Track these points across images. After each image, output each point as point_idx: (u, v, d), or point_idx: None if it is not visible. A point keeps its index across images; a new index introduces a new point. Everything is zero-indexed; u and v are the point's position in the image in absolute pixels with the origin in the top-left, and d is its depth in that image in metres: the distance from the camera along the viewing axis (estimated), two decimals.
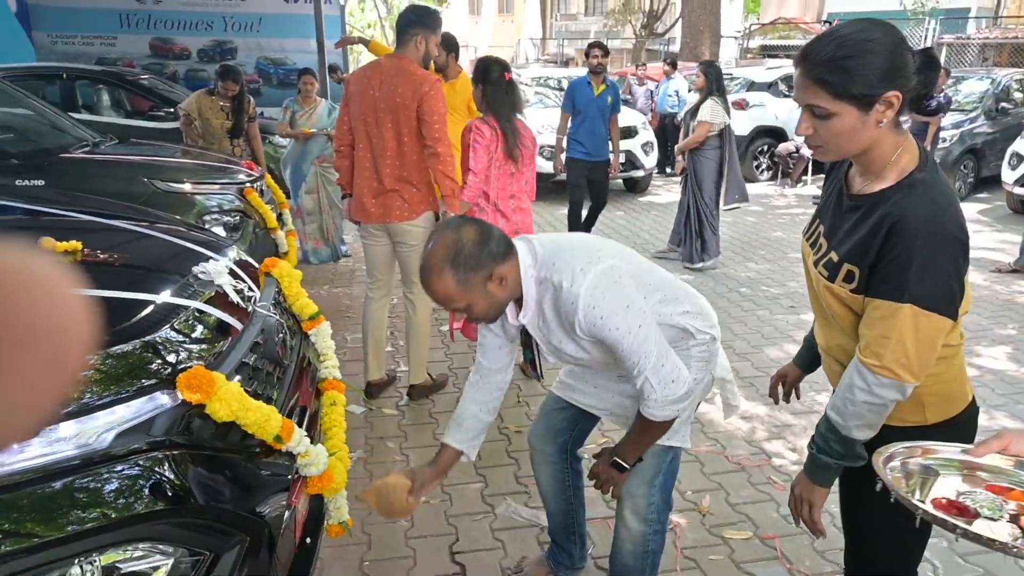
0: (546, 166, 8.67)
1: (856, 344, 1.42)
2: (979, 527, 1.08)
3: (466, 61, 13.41)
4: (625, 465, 1.84)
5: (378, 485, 1.81)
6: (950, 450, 1.26)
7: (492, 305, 1.63)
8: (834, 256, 1.40)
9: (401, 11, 3.47)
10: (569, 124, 5.98)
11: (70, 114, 5.56)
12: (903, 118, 1.34)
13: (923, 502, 1.14)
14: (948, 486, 1.19)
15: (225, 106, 5.45)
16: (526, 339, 1.85)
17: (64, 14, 12.04)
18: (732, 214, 8.15)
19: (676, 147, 6.33)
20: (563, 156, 6.05)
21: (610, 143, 6.06)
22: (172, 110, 7.31)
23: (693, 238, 5.97)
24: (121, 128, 6.38)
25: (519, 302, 1.70)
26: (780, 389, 1.90)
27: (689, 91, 6.40)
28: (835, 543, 2.48)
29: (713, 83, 5.69)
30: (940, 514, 1.09)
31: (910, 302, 1.27)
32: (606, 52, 5.90)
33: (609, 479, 1.88)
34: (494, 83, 3.39)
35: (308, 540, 1.79)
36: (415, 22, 3.26)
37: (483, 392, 1.90)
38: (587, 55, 5.85)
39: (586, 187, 6.11)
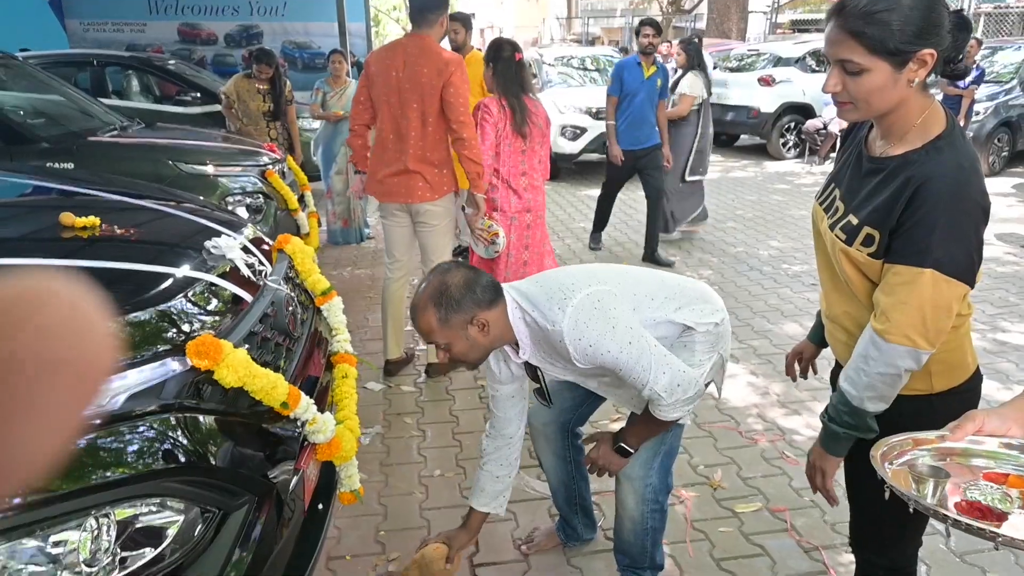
0: (566, 146, 8.66)
1: (866, 312, 1.41)
2: (1013, 529, 1.02)
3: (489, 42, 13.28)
4: (630, 450, 1.89)
5: (416, 559, 1.98)
6: (932, 437, 1.22)
7: (472, 348, 1.71)
8: (853, 219, 1.38)
9: None
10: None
11: (100, 99, 5.69)
12: (931, 81, 1.31)
13: (938, 506, 1.08)
14: (950, 481, 1.15)
15: (262, 89, 5.54)
16: (532, 373, 1.90)
17: (95, 1, 12.25)
18: (757, 192, 8.07)
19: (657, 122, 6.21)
20: (616, 145, 5.44)
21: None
22: (199, 95, 7.45)
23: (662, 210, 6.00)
24: (149, 113, 6.51)
25: (517, 345, 1.78)
26: (796, 367, 1.89)
27: (675, 70, 6.27)
28: (845, 515, 2.49)
29: (694, 59, 5.84)
30: (974, 522, 1.01)
31: (932, 267, 1.25)
32: (658, 31, 5.38)
33: (609, 464, 1.92)
34: (505, 62, 3.44)
35: (320, 506, 1.86)
36: (437, 4, 3.27)
37: (499, 455, 2.02)
38: (637, 33, 5.39)
39: (626, 179, 5.74)
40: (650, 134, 5.45)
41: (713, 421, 3.15)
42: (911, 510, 1.12)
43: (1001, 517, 1.05)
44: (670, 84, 6.05)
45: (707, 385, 1.91)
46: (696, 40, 6.17)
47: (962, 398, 1.46)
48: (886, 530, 1.58)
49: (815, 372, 1.91)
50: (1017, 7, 15.39)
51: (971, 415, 1.16)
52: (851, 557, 2.28)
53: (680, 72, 5.94)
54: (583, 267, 1.90)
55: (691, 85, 5.76)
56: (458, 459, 2.91)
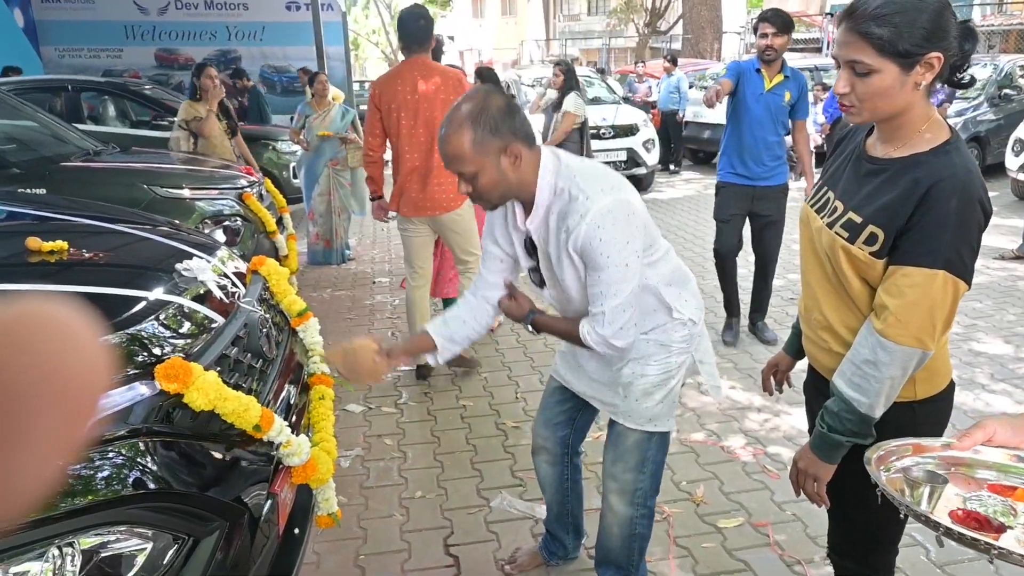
0: None
1: (860, 319, 1.41)
2: (1009, 542, 0.98)
3: (471, 64, 13.42)
4: (532, 329, 1.84)
5: (343, 345, 1.77)
6: (936, 445, 1.21)
7: (499, 182, 1.60)
8: (855, 217, 1.37)
9: (405, 14, 3.59)
10: (725, 130, 4.17)
11: (75, 125, 5.65)
12: (936, 89, 1.33)
13: (932, 513, 1.06)
14: (950, 491, 1.12)
15: (214, 109, 5.45)
16: (530, 248, 1.80)
17: (70, 28, 12.22)
18: None
19: (546, 142, 6.25)
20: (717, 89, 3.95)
21: (790, 159, 4.23)
22: (175, 119, 7.41)
23: None
24: (125, 137, 6.47)
25: (528, 208, 1.69)
26: (772, 380, 1.89)
27: (548, 90, 6.48)
28: (826, 528, 2.49)
29: (572, 80, 5.99)
30: (967, 532, 0.98)
31: (944, 268, 1.26)
32: (784, 27, 3.80)
33: (509, 309, 1.86)
34: (494, 83, 3.86)
35: (296, 531, 1.83)
36: (432, 24, 3.58)
37: (476, 304, 1.89)
38: (755, 30, 3.99)
39: (740, 224, 4.25)
40: (773, 168, 3.99)
41: (695, 436, 3.15)
42: (901, 515, 1.10)
43: (1000, 529, 1.02)
44: (550, 104, 6.26)
45: (679, 388, 1.91)
46: (570, 61, 6.39)
47: (941, 406, 1.48)
48: (867, 537, 1.58)
49: (790, 385, 1.91)
50: (983, 25, 15.81)
51: (982, 423, 1.15)
52: (832, 569, 2.29)
53: (557, 93, 6.12)
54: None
55: (575, 105, 5.96)
56: (439, 480, 2.88)
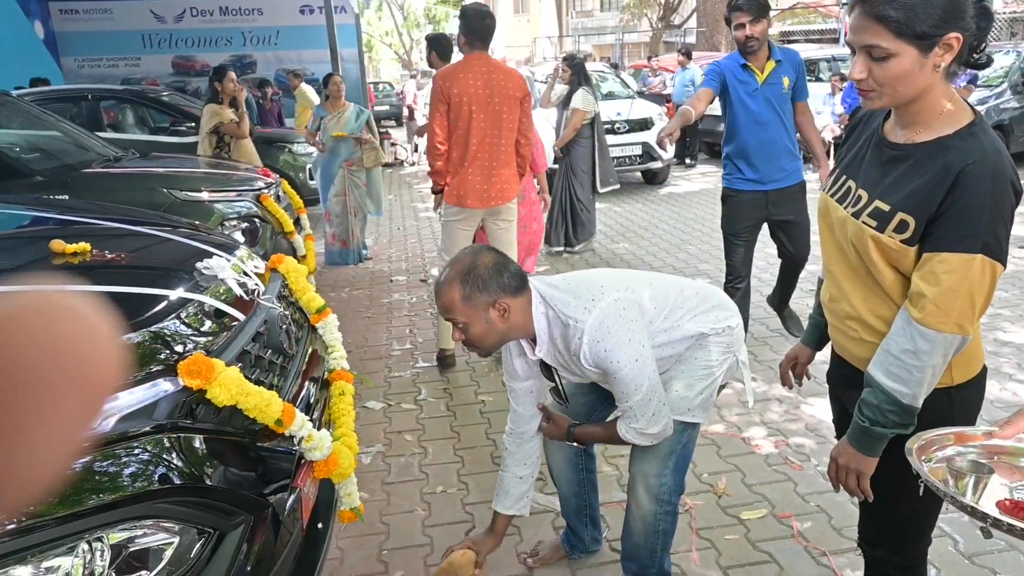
0: None
1: (891, 307, 1.38)
2: None
3: None
4: (576, 437, 1.96)
5: (444, 566, 2.02)
6: (978, 433, 1.19)
7: (488, 332, 1.73)
8: (883, 205, 1.35)
9: (471, 11, 3.67)
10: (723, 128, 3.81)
11: (95, 132, 5.73)
12: (955, 70, 1.30)
13: (977, 503, 1.04)
14: (995, 481, 1.09)
15: (235, 111, 5.52)
16: (547, 372, 1.95)
17: (89, 38, 12.40)
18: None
19: (556, 144, 6.31)
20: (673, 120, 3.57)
21: (800, 149, 3.81)
22: (193, 124, 7.50)
23: (568, 223, 6.12)
24: (144, 144, 6.55)
25: (535, 340, 1.81)
26: (791, 373, 1.86)
27: (557, 84, 6.38)
28: (852, 520, 2.46)
29: (580, 75, 5.96)
30: (1016, 522, 0.96)
31: (982, 252, 1.24)
32: (760, 11, 3.39)
33: (553, 431, 2.00)
34: None
35: (320, 525, 1.84)
36: (495, 24, 3.71)
37: (520, 453, 2.06)
38: (728, 22, 3.55)
39: (753, 235, 3.91)
40: (786, 164, 3.62)
41: (716, 428, 3.13)
42: (945, 507, 1.08)
43: None
44: (559, 100, 6.19)
45: (721, 387, 1.98)
46: (580, 57, 6.33)
47: (975, 390, 1.46)
48: (901, 527, 1.56)
49: (809, 377, 1.88)
50: (1005, 12, 15.55)
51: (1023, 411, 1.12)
52: (861, 561, 2.26)
53: (567, 88, 6.09)
54: (611, 271, 1.99)
55: (584, 101, 5.94)
56: (460, 475, 2.89)
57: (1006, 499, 1.05)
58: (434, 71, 5.32)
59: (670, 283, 1.96)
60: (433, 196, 3.93)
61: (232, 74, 5.51)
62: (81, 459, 1.21)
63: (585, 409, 2.13)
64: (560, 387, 1.96)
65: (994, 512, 0.99)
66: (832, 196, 1.49)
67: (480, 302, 1.69)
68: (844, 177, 1.48)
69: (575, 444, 1.99)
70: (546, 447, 2.22)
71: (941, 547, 2.28)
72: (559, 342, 1.79)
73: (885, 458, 1.41)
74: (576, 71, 6.04)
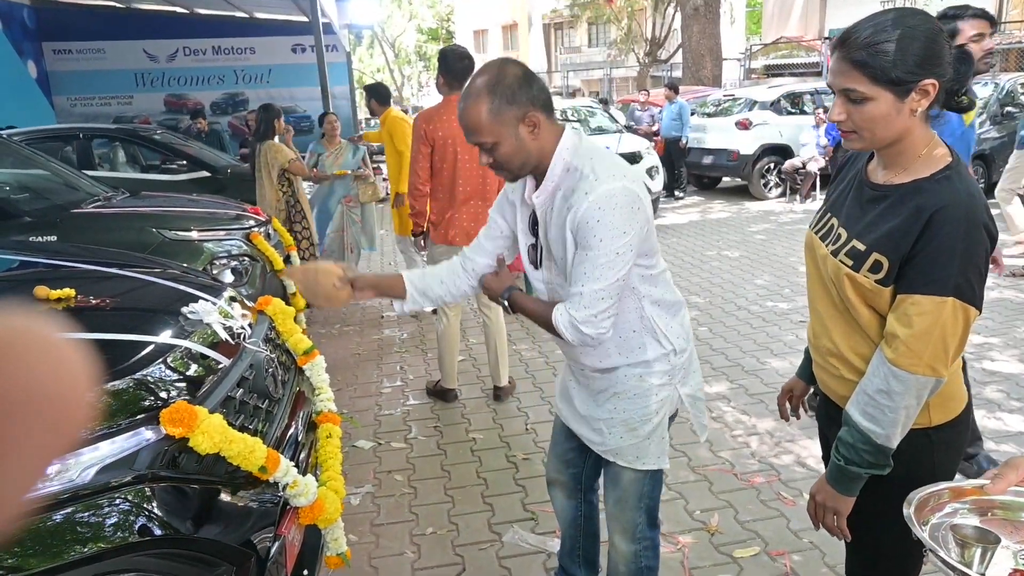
0: None
1: (869, 345, 1.40)
2: None
3: None
4: (505, 301, 1.80)
5: (306, 265, 1.74)
6: (973, 487, 1.15)
7: (518, 151, 1.58)
8: (859, 245, 1.37)
9: (449, 53, 3.75)
10: None
11: (87, 171, 5.75)
12: (935, 113, 1.33)
13: (983, 575, 1.01)
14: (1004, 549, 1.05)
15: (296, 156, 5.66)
16: (534, 227, 1.78)
17: (81, 78, 12.51)
18: (741, 232, 8.15)
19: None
20: None
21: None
22: (185, 162, 7.53)
23: None
24: (136, 182, 6.57)
25: (539, 181, 1.66)
26: (787, 406, 1.86)
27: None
28: (843, 556, 2.44)
29: None
30: None
31: (953, 295, 1.25)
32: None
33: (492, 284, 1.84)
34: None
35: (305, 572, 1.81)
36: (473, 64, 3.68)
37: (460, 270, 1.89)
38: (953, 35, 2.49)
39: None
40: None
41: (707, 464, 3.11)
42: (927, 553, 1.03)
43: None
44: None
45: (668, 423, 1.83)
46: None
47: (957, 431, 1.45)
48: (887, 564, 1.55)
49: (807, 410, 1.88)
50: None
51: (1013, 463, 1.11)
52: None
53: None
54: None
55: None
56: (451, 516, 2.86)
57: (1019, 569, 1.01)
58: (377, 118, 5.54)
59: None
60: (413, 239, 3.95)
61: (282, 120, 5.66)
62: (61, 511, 1.20)
63: (576, 455, 2.06)
64: (539, 246, 1.77)
65: None
66: (816, 233, 1.52)
67: (509, 116, 1.54)
68: (828, 215, 1.51)
69: (506, 306, 1.79)
70: (549, 485, 2.17)
71: None
72: (560, 194, 1.62)
73: (867, 496, 1.41)
74: None
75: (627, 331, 1.72)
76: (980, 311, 1.30)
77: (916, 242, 1.28)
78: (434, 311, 5.69)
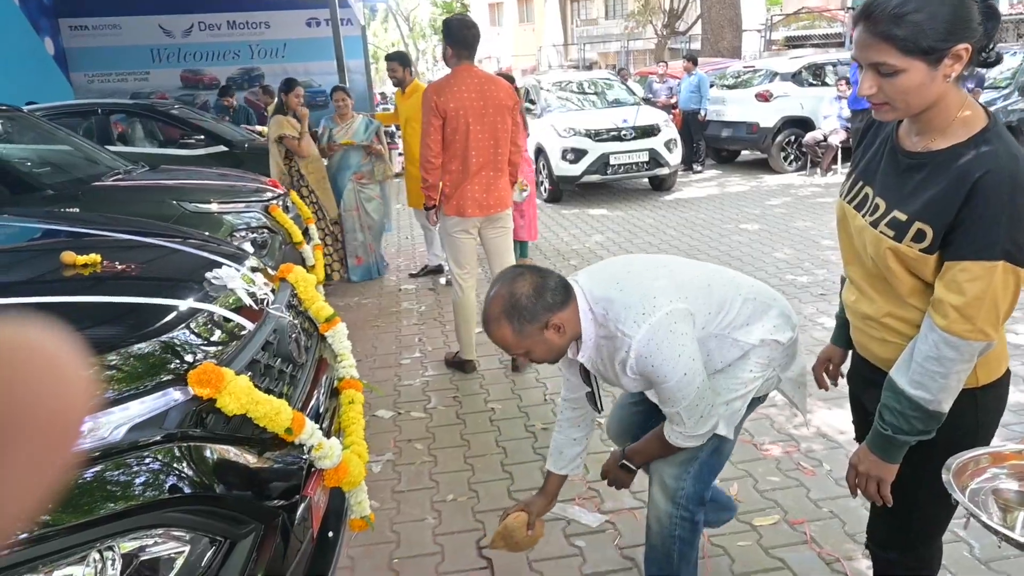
0: (568, 169, 8.73)
1: (912, 311, 1.38)
2: None
3: (491, 70, 13.48)
4: (632, 467, 1.95)
5: (499, 531, 2.03)
6: (1013, 451, 1.16)
7: (551, 350, 1.71)
8: (900, 215, 1.34)
9: (455, 23, 3.71)
10: None
11: (105, 146, 5.78)
12: (965, 74, 1.29)
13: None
14: None
15: (305, 131, 5.57)
16: (585, 376, 1.92)
17: (99, 54, 12.55)
18: (760, 206, 8.06)
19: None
20: None
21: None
22: (202, 137, 7.56)
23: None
24: (154, 157, 6.60)
25: (579, 339, 1.77)
26: (825, 376, 1.84)
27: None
28: (865, 525, 2.44)
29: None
30: None
31: (1003, 258, 1.23)
32: None
33: (616, 480, 2.01)
34: (515, 89, 4.77)
35: (330, 534, 1.84)
36: (479, 33, 3.74)
37: (575, 416, 2.03)
38: None
39: None
40: None
41: None
42: (999, 544, 1.05)
43: None
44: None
45: (758, 401, 1.92)
46: (522, 89, 6.23)
47: (1001, 391, 1.45)
48: (914, 530, 1.55)
49: (844, 377, 1.84)
50: (1011, 14, 15.50)
51: None
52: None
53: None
54: (665, 267, 1.83)
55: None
56: (470, 483, 2.89)
57: None
58: (403, 89, 5.59)
59: (728, 284, 1.86)
60: (426, 212, 3.94)
61: (300, 90, 5.57)
62: (92, 468, 1.22)
63: (641, 419, 2.09)
64: (596, 394, 1.92)
65: None
66: (849, 203, 1.48)
67: (533, 330, 1.65)
68: (861, 183, 1.47)
69: (632, 467, 1.96)
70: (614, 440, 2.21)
71: (957, 553, 2.25)
72: (603, 350, 1.75)
73: (905, 461, 1.41)
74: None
75: (727, 355, 1.83)
76: None
77: (961, 209, 1.25)
78: (448, 281, 5.74)
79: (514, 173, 3.93)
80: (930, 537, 1.57)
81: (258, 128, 9.22)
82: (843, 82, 9.35)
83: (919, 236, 1.31)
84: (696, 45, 19.09)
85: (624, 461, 1.96)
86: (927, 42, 1.21)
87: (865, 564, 2.26)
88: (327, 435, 1.70)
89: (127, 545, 1.20)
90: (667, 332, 1.65)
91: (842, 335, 1.75)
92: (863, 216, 1.42)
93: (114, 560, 1.18)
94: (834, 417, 3.17)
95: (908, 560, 1.58)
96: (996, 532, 1.01)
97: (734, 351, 1.81)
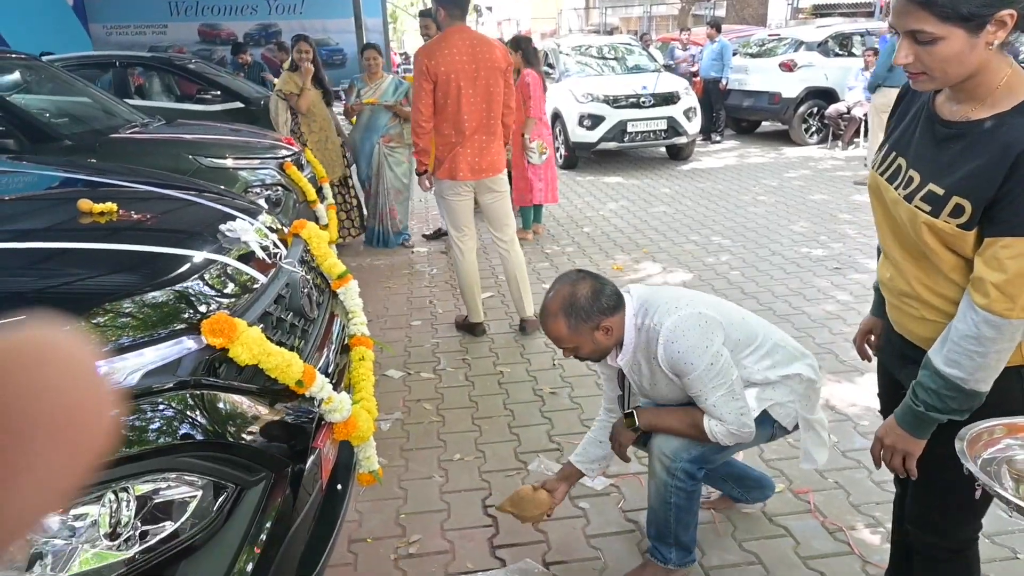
0: (584, 136, 8.63)
1: (952, 286, 1.33)
2: None
3: (509, 35, 13.25)
4: (636, 423, 1.98)
5: (511, 497, 2.17)
6: None
7: (597, 350, 1.90)
8: (937, 189, 1.28)
9: None
10: None
11: (123, 99, 5.77)
12: (1011, 40, 1.22)
13: None
14: None
15: (311, 79, 5.40)
16: (621, 379, 2.07)
17: (117, 5, 12.48)
18: (778, 178, 7.96)
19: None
20: None
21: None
22: (219, 92, 7.53)
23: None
24: (170, 111, 6.58)
25: (620, 344, 1.93)
26: (867, 347, 1.78)
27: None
28: (870, 497, 2.46)
29: (532, 57, 5.73)
30: None
31: None
32: None
33: (618, 435, 2.06)
34: (532, 50, 5.69)
35: (339, 487, 1.87)
36: None
37: (603, 427, 2.17)
38: None
39: None
40: None
41: None
42: (1009, 515, 1.04)
43: None
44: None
45: (783, 430, 2.05)
46: (528, 38, 6.07)
47: None
48: (953, 511, 1.50)
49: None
50: None
51: None
52: (876, 537, 2.26)
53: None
54: (709, 296, 2.08)
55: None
56: (477, 444, 2.92)
57: None
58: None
59: (763, 325, 2.04)
60: (417, 177, 3.94)
61: (304, 45, 5.40)
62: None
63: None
64: (626, 397, 2.06)
65: None
66: (882, 175, 1.42)
67: (586, 329, 1.83)
68: (894, 154, 1.41)
69: (639, 431, 2.01)
70: None
71: (997, 554, 2.16)
72: (640, 353, 1.90)
73: (937, 442, 1.35)
74: (527, 55, 5.74)
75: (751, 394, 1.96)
76: None
77: (1004, 183, 1.19)
78: (431, 233, 5.78)
79: (507, 135, 3.90)
80: (970, 518, 1.52)
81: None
82: (870, 52, 9.13)
83: (957, 211, 1.25)
84: (721, 12, 18.67)
85: (632, 413, 1.99)
86: (967, 8, 1.15)
87: (866, 534, 2.28)
88: (337, 389, 1.72)
89: (141, 487, 1.23)
90: (695, 325, 1.81)
91: (881, 307, 1.70)
92: (896, 189, 1.37)
93: (128, 501, 1.21)
94: (843, 390, 3.16)
95: (947, 542, 1.54)
96: (1008, 501, 1.00)
97: (753, 389, 1.95)
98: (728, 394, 1.80)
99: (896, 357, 1.58)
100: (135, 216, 1.83)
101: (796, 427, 2.05)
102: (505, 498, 2.20)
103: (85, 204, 1.74)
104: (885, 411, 1.71)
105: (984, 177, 1.22)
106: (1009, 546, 2.20)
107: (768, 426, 2.00)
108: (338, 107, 6.31)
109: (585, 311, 1.82)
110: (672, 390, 1.92)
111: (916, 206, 1.32)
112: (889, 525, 1.90)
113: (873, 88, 7.10)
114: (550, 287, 1.92)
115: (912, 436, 1.39)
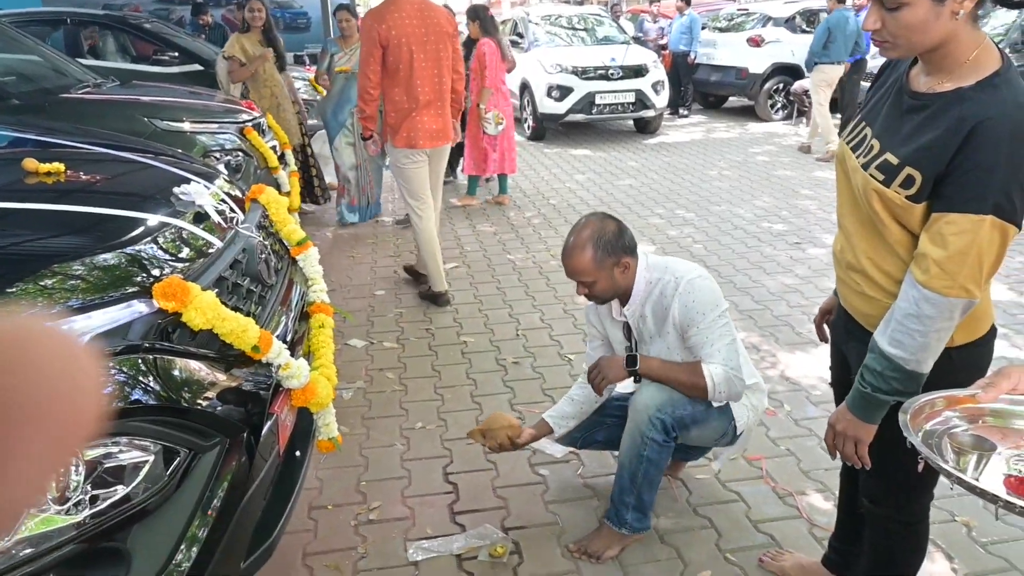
0: (552, 107, 8.59)
1: (895, 262, 1.34)
2: None
3: (466, 3, 13.03)
4: (636, 368, 2.01)
5: (480, 426, 2.28)
6: (966, 395, 1.14)
7: (612, 287, 1.99)
8: (892, 158, 1.28)
9: None
10: None
11: (76, 59, 5.55)
12: (984, 13, 1.21)
13: (978, 480, 1.00)
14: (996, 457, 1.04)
15: (263, 40, 5.17)
16: (627, 332, 2.12)
17: None
18: (743, 153, 8.04)
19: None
20: None
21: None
22: (176, 54, 7.29)
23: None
24: (125, 72, 6.36)
25: (624, 300, 2.03)
26: (825, 327, 1.80)
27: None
28: (819, 463, 2.54)
29: (489, 26, 5.72)
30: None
31: (992, 213, 1.17)
32: None
33: (609, 369, 2.04)
34: (489, 19, 5.67)
35: (297, 453, 1.87)
36: None
37: (581, 389, 2.23)
38: None
39: None
40: None
41: None
42: (951, 487, 1.04)
43: None
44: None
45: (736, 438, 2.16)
46: (485, 7, 6.03)
47: (980, 352, 1.40)
48: (905, 485, 1.53)
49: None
50: None
51: (1005, 371, 1.09)
52: (824, 502, 2.33)
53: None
54: None
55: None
56: (440, 412, 2.93)
57: (1011, 476, 1.01)
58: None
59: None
60: (363, 142, 3.92)
61: (256, 3, 5.07)
62: None
63: (602, 429, 2.32)
64: (634, 346, 2.10)
65: (1002, 492, 0.96)
66: (848, 143, 1.42)
67: (608, 263, 1.93)
68: (864, 123, 1.41)
69: (636, 378, 2.04)
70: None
71: (954, 534, 2.19)
72: (649, 307, 2.00)
73: (887, 425, 1.36)
74: (484, 24, 5.71)
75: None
76: (1020, 228, 1.22)
77: (954, 156, 1.19)
78: (398, 221, 5.52)
79: (458, 101, 3.88)
80: (921, 491, 1.56)
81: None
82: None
83: (907, 182, 1.25)
84: None
85: (635, 355, 2.03)
86: None
87: (816, 499, 2.36)
88: (295, 356, 1.71)
89: (91, 452, 1.21)
90: (709, 285, 1.97)
91: None
92: (857, 157, 1.37)
93: (78, 465, 1.19)
94: (798, 361, 3.24)
95: (901, 515, 1.58)
96: (948, 475, 1.01)
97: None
98: (732, 345, 1.94)
99: (842, 331, 1.61)
100: (84, 177, 1.77)
101: (738, 438, 2.14)
102: (475, 428, 2.30)
103: (31, 163, 1.68)
104: (835, 383, 1.75)
105: (937, 149, 1.22)
106: (948, 509, 2.30)
107: (726, 420, 2.06)
108: (303, 73, 6.13)
109: (611, 245, 1.92)
110: (672, 344, 2.01)
111: (871, 174, 1.32)
112: (837, 491, 1.96)
113: (810, 66, 7.15)
114: (574, 226, 2.00)
115: (862, 421, 1.39)
